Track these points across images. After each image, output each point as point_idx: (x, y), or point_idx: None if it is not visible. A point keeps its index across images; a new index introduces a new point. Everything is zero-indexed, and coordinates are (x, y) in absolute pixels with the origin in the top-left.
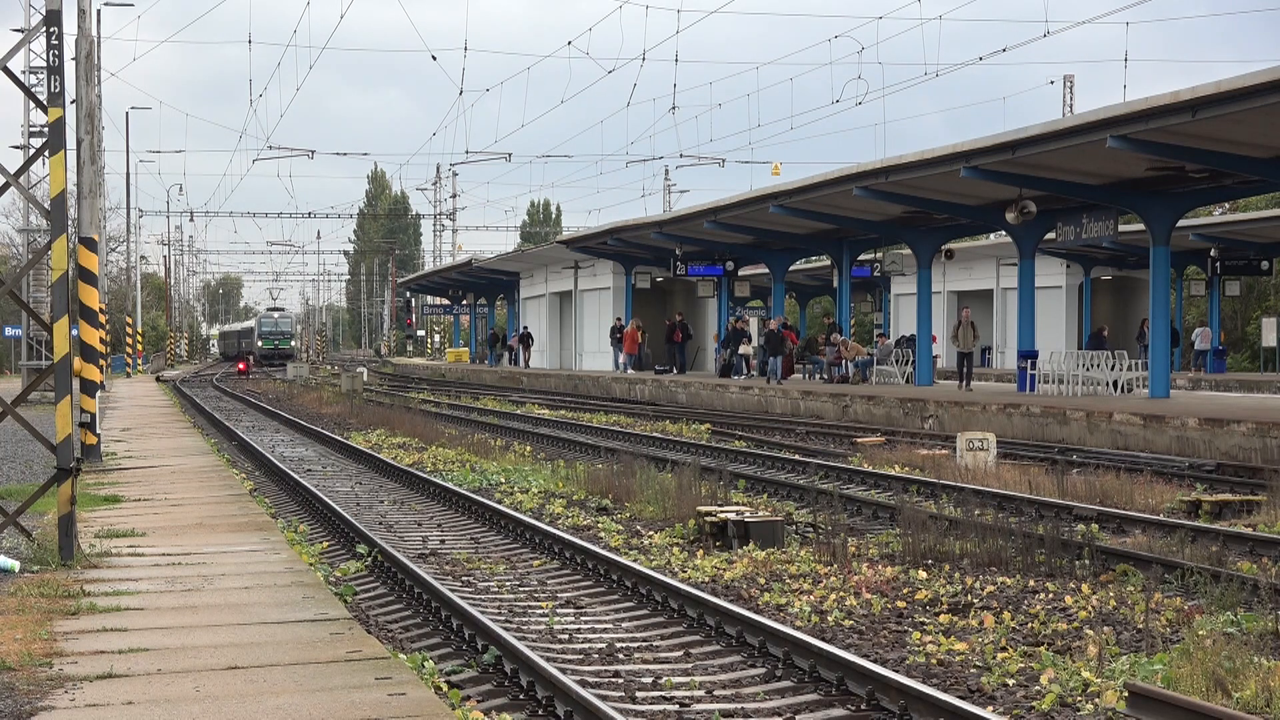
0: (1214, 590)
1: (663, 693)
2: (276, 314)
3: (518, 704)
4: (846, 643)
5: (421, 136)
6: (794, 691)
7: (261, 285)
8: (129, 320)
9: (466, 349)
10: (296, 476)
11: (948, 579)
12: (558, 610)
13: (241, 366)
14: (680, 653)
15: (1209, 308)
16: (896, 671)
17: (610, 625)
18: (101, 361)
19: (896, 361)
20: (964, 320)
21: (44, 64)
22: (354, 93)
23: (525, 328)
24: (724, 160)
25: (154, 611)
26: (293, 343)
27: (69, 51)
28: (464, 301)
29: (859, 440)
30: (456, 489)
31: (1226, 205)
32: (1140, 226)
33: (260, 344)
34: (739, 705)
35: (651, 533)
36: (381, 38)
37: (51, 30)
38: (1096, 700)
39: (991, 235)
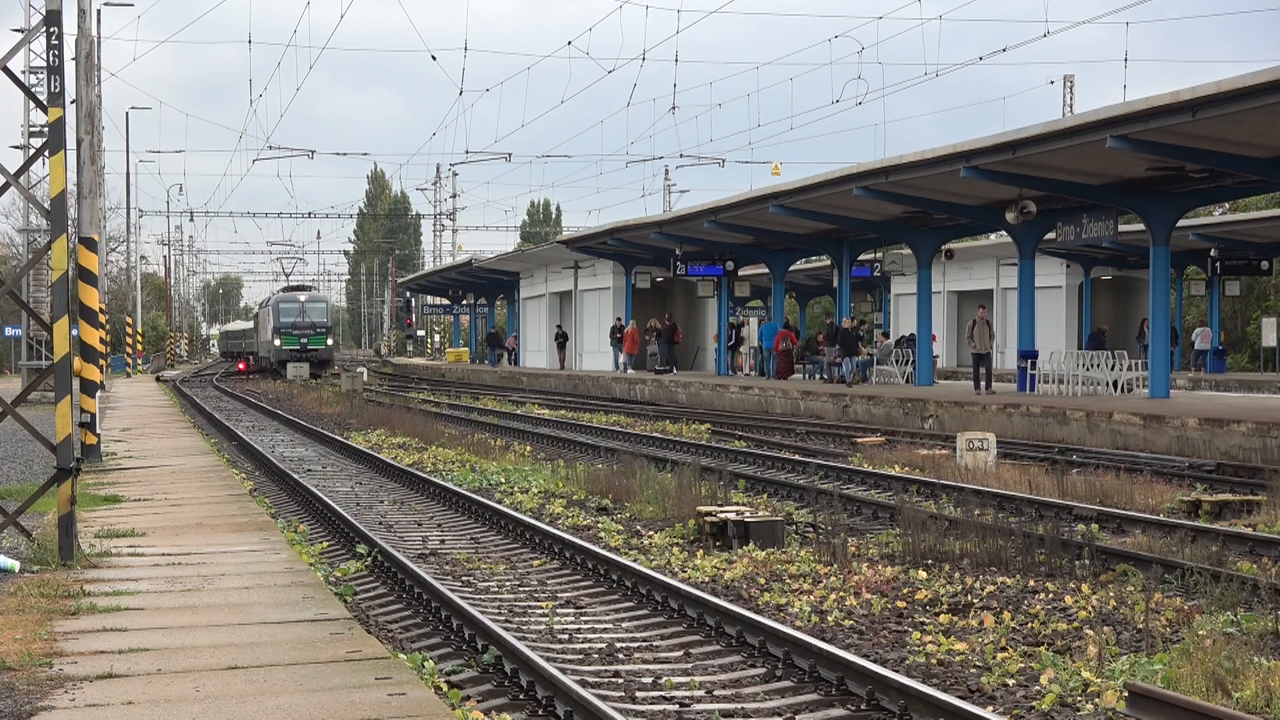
0: (1214, 590)
1: (663, 693)
2: (303, 295)
3: (518, 704)
4: (846, 643)
5: (421, 136)
6: (794, 691)
7: (262, 285)
8: (129, 320)
9: (466, 349)
10: (296, 476)
11: (948, 579)
12: (558, 610)
13: (241, 366)
14: (680, 653)
15: (1209, 308)
16: (896, 671)
17: (610, 625)
18: (101, 361)
19: (896, 361)
20: (979, 320)
21: (44, 64)
22: (354, 93)
23: (559, 326)
24: (724, 160)
25: (154, 611)
26: (328, 340)
27: (69, 51)
28: (464, 301)
29: (859, 440)
30: (456, 489)
31: (1226, 205)
32: (1140, 226)
33: (278, 342)
34: (739, 705)
35: (651, 533)
36: (381, 38)
37: (51, 30)
38: (1096, 700)
39: (991, 235)
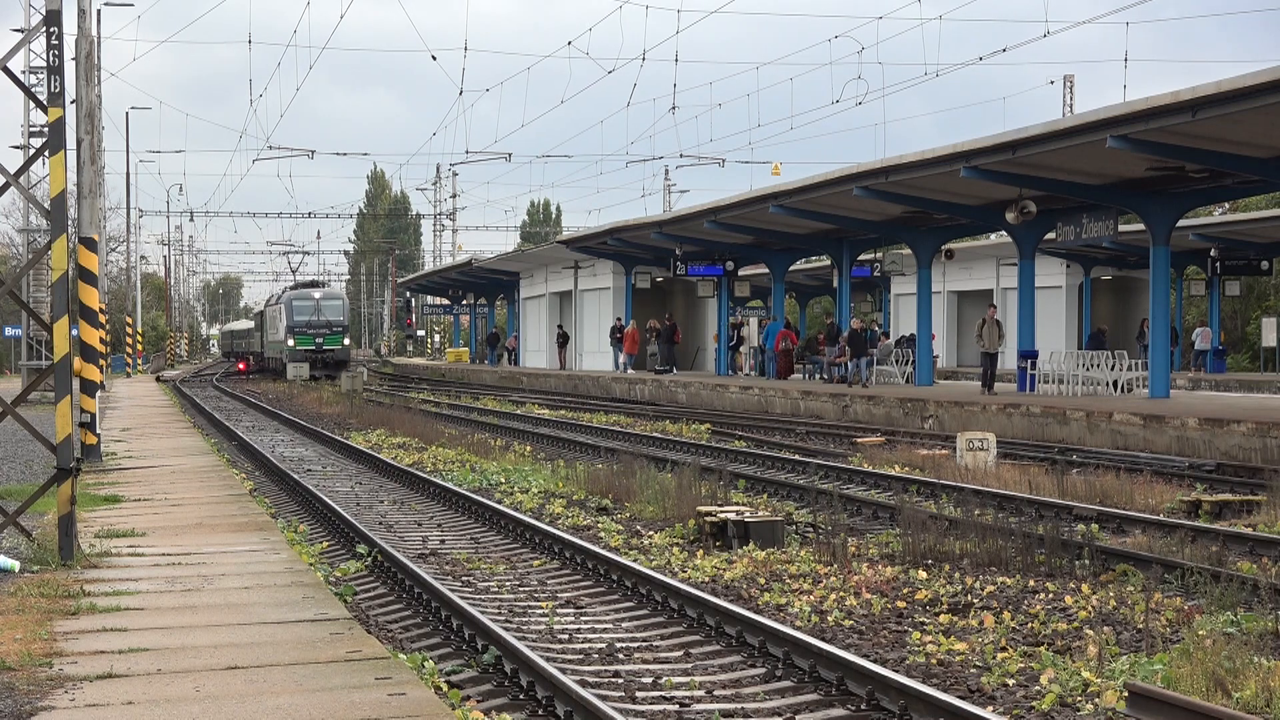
0: (1214, 590)
1: (663, 693)
2: (317, 293)
3: (518, 704)
4: (846, 643)
5: (421, 136)
6: (794, 691)
7: (262, 285)
8: (129, 320)
9: (466, 349)
10: (296, 476)
11: (948, 579)
12: (558, 610)
13: (241, 367)
14: (680, 653)
15: (1209, 308)
16: (896, 671)
17: (610, 625)
18: (101, 361)
19: (896, 361)
20: (989, 319)
21: (44, 64)
22: (353, 93)
23: (560, 326)
24: (724, 160)
25: (154, 611)
26: (344, 340)
27: (69, 51)
28: (464, 301)
29: (859, 440)
30: (456, 489)
31: (1226, 205)
32: (1140, 226)
33: (291, 342)
34: (739, 705)
35: (651, 533)
36: (381, 38)
37: (51, 30)
38: (1096, 700)
39: (991, 235)
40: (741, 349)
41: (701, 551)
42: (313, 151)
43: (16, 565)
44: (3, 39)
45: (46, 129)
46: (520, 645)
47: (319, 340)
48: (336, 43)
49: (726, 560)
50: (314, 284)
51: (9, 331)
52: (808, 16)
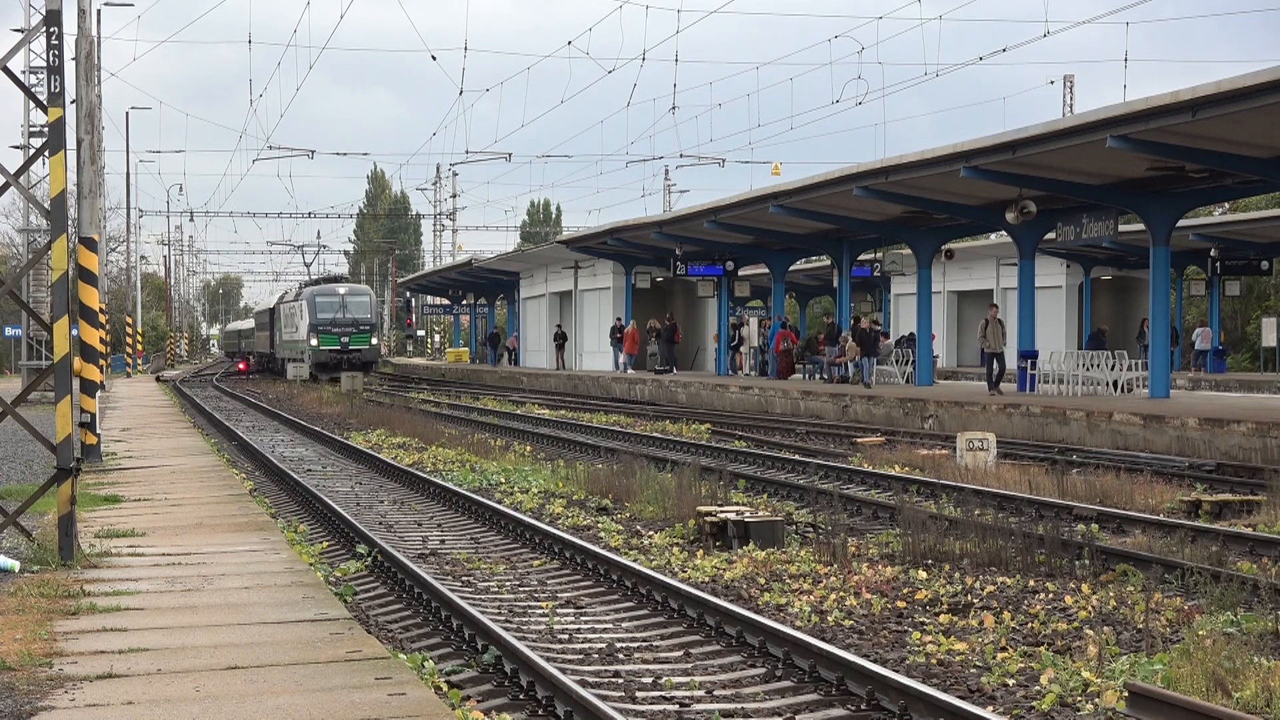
0: (1214, 590)
1: (663, 693)
2: (343, 288)
3: (518, 704)
4: (846, 643)
5: (421, 136)
6: (794, 691)
7: (262, 285)
8: (129, 320)
9: (466, 349)
10: (296, 476)
11: (948, 579)
12: (558, 610)
13: (241, 366)
14: (680, 653)
15: (1209, 308)
16: (896, 671)
17: (610, 625)
18: (101, 361)
19: (896, 361)
20: (992, 319)
21: (44, 64)
22: (353, 93)
23: (559, 326)
24: (724, 160)
25: (154, 611)
26: (372, 339)
27: (69, 51)
28: (464, 301)
29: (859, 440)
30: (456, 489)
31: (1226, 205)
32: (1140, 226)
33: (315, 341)
34: (739, 705)
35: (651, 533)
36: (381, 38)
37: (51, 30)
38: (1096, 700)
39: (991, 235)
40: (741, 349)
41: (701, 551)
42: (313, 151)
43: (16, 565)
44: (3, 39)
45: (46, 129)
46: (520, 645)
47: (345, 340)
48: (336, 43)
49: (726, 560)
50: (337, 278)
51: (9, 331)
52: (808, 16)
